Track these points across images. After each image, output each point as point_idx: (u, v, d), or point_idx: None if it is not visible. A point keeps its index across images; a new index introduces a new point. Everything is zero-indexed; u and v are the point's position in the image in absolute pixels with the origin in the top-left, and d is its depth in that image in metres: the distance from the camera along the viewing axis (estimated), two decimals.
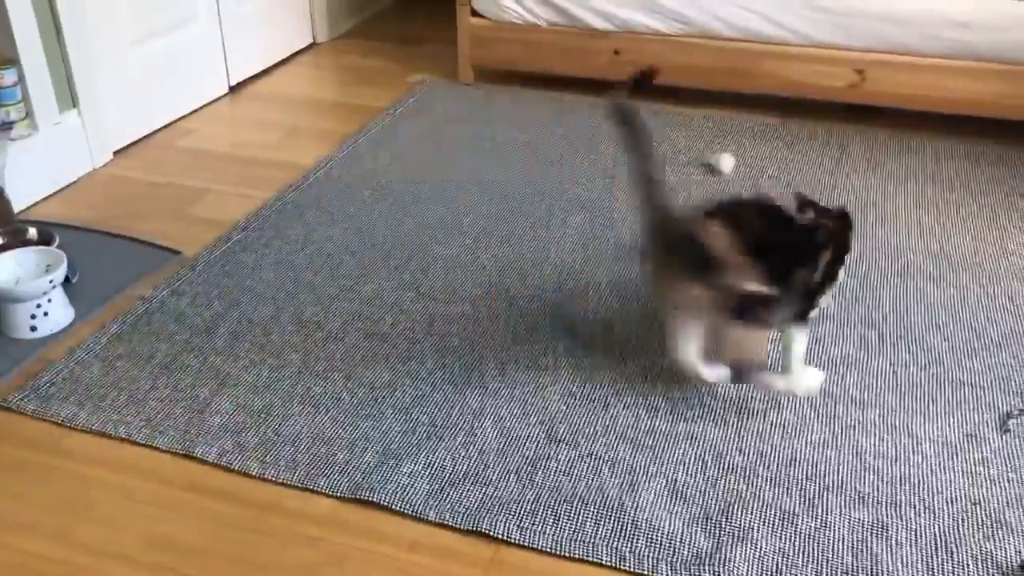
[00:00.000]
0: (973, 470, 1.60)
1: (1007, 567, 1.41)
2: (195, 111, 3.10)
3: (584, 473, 1.60)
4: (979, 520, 1.50)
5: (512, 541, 1.47)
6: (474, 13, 3.21)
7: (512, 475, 1.59)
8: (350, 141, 2.86)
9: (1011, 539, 1.46)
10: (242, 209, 2.46)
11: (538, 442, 1.67)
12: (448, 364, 1.87)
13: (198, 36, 3.09)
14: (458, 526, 1.50)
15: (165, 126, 2.97)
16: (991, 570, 1.41)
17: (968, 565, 1.42)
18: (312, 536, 1.49)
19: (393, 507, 1.53)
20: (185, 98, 3.07)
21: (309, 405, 1.76)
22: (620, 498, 1.54)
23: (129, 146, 2.83)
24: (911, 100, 2.87)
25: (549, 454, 1.64)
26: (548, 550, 1.46)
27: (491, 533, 1.48)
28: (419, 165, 2.70)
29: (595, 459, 1.63)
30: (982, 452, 1.64)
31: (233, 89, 3.28)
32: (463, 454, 1.64)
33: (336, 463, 1.62)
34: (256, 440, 1.67)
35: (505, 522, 1.50)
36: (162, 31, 2.93)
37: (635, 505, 1.53)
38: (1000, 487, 1.57)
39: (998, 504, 1.53)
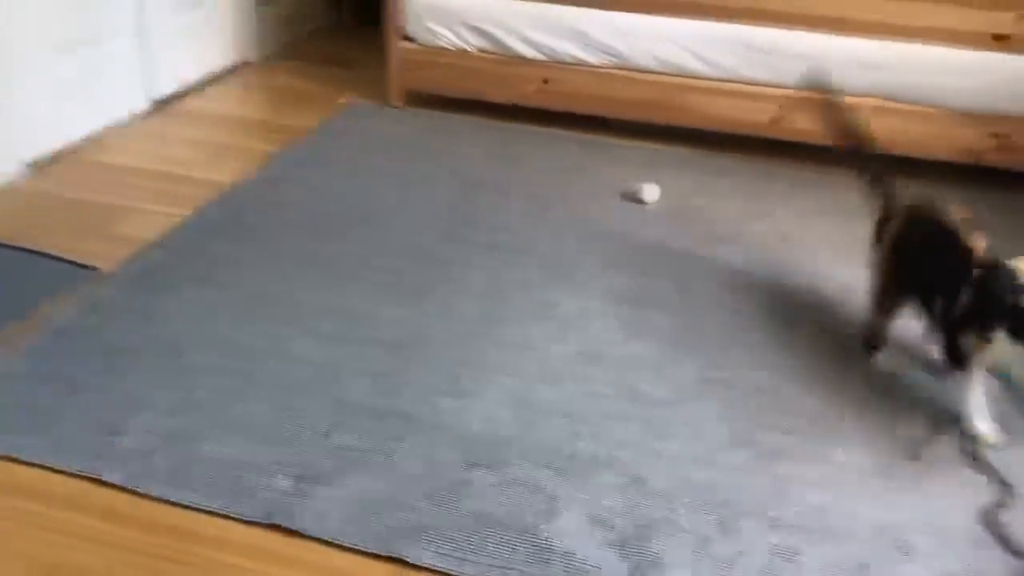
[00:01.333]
0: (885, 495, 1.64)
1: None
2: (117, 126, 3.02)
3: (503, 498, 1.59)
4: (888, 544, 1.53)
5: (429, 567, 1.45)
6: (405, 37, 3.21)
7: (431, 500, 1.57)
8: (275, 161, 2.82)
9: (917, 565, 1.50)
10: (161, 227, 2.40)
11: (458, 467, 1.65)
12: (369, 387, 1.84)
13: (121, 50, 3.02)
14: (375, 552, 1.47)
15: (84, 140, 2.89)
16: None
17: None
18: (227, 563, 1.45)
19: (308, 533, 1.50)
20: (106, 112, 2.99)
21: (225, 428, 1.71)
22: (537, 523, 1.54)
23: (46, 160, 2.75)
24: (828, 137, 2.96)
25: (468, 479, 1.63)
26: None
27: (408, 559, 1.46)
28: (343, 186, 2.68)
29: (514, 484, 1.62)
30: (894, 478, 1.68)
31: (158, 105, 3.21)
32: (381, 479, 1.61)
33: (251, 488, 1.58)
34: (168, 464, 1.62)
35: (422, 548, 1.48)
36: (83, 43, 2.86)
37: (552, 530, 1.52)
38: (909, 512, 1.61)
39: (907, 529, 1.57)
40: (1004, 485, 1.67)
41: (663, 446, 1.73)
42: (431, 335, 2.02)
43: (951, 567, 1.50)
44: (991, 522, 1.58)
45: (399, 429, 1.73)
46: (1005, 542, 1.55)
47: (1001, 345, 1.68)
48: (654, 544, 1.51)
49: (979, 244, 1.78)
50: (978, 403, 1.77)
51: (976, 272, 1.74)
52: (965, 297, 1.73)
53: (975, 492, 1.66)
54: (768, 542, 1.53)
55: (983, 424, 1.76)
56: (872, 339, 2.01)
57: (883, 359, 1.98)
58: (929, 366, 1.93)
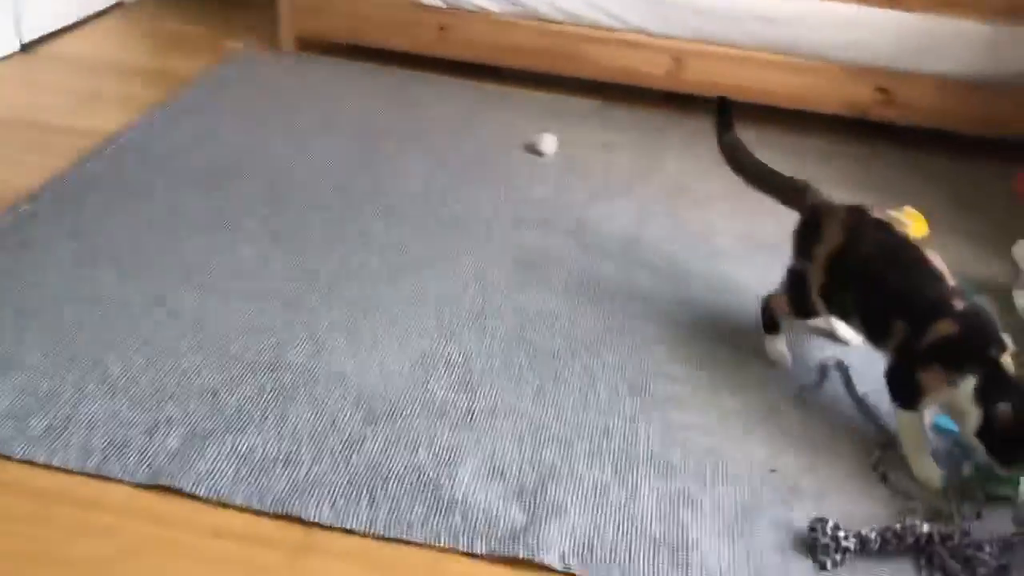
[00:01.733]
0: (772, 439, 1.69)
1: (800, 529, 1.50)
2: None
3: (401, 452, 1.57)
4: (776, 487, 1.58)
5: (324, 524, 1.42)
6: None
7: (326, 456, 1.54)
8: (158, 109, 2.68)
9: (803, 504, 1.55)
10: (33, 179, 2.26)
11: (354, 422, 1.62)
12: (261, 343, 1.78)
13: None
14: (267, 510, 1.43)
15: None
16: (785, 533, 1.49)
17: (765, 529, 1.50)
18: (105, 526, 1.39)
19: (196, 493, 1.45)
20: None
21: (105, 387, 1.63)
22: (437, 476, 1.52)
23: None
24: (725, 89, 2.95)
25: (365, 434, 1.60)
26: (361, 531, 1.42)
27: (302, 516, 1.43)
28: (232, 137, 2.57)
29: (412, 437, 1.60)
30: (780, 422, 1.73)
31: (25, 48, 3.00)
32: (274, 436, 1.57)
33: (134, 448, 1.51)
34: (43, 426, 1.54)
35: (317, 505, 1.44)
36: None
37: (452, 482, 1.51)
38: (796, 456, 1.66)
39: (793, 471, 1.62)
40: (880, 427, 1.73)
41: (559, 397, 1.74)
42: (325, 288, 1.97)
43: (837, 507, 1.55)
44: (871, 461, 1.65)
45: (292, 384, 1.69)
46: (884, 479, 1.61)
47: (963, 395, 1.54)
48: (552, 492, 1.52)
49: (943, 268, 1.67)
50: (923, 445, 1.63)
51: (956, 306, 1.60)
52: (941, 328, 1.58)
53: (858, 436, 1.72)
54: (663, 487, 1.55)
55: (930, 469, 1.61)
56: (771, 324, 1.91)
57: (774, 346, 1.90)
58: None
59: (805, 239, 1.84)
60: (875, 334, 1.72)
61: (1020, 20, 2.78)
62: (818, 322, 1.94)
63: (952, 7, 2.80)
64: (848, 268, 1.74)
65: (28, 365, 1.66)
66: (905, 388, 1.63)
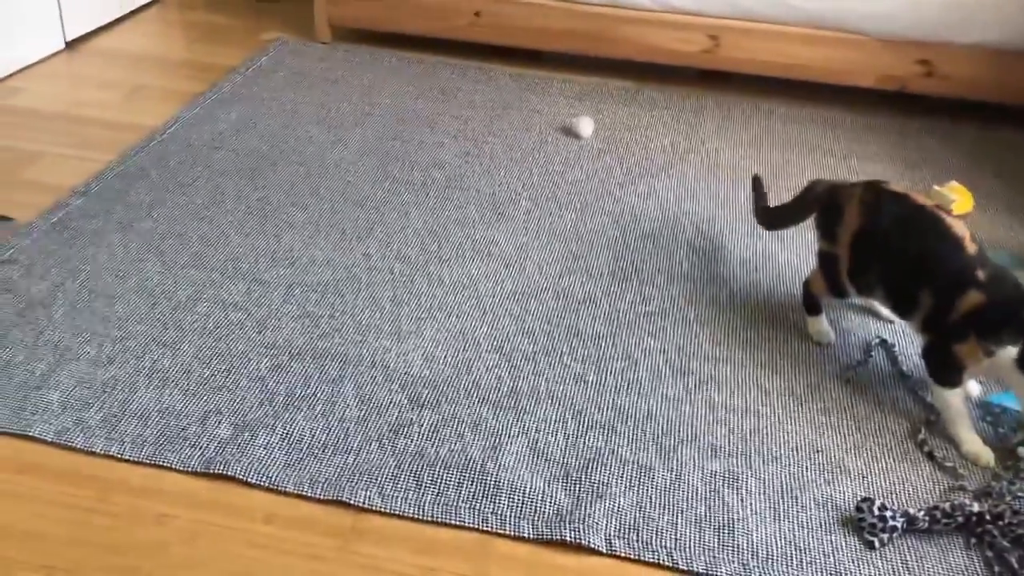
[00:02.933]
0: (816, 419, 1.68)
1: (845, 508, 1.49)
2: (26, 68, 2.88)
3: (447, 437, 1.59)
4: (820, 466, 1.58)
5: (373, 508, 1.45)
6: None
7: (374, 442, 1.57)
8: (199, 101, 2.72)
9: (849, 483, 1.55)
10: (82, 173, 2.31)
11: (400, 407, 1.64)
12: (307, 331, 1.81)
13: None
14: (317, 496, 1.46)
15: None
16: (831, 512, 1.49)
17: (811, 508, 1.50)
18: (161, 513, 1.43)
19: (248, 480, 1.48)
20: (14, 54, 2.84)
21: (157, 378, 1.67)
22: (482, 460, 1.54)
23: None
24: (762, 66, 2.97)
25: (411, 419, 1.62)
26: (409, 515, 1.44)
27: (351, 501, 1.46)
28: (271, 126, 2.61)
29: (457, 422, 1.62)
30: (824, 402, 1.73)
31: (70, 45, 3.06)
32: (322, 423, 1.60)
33: (187, 437, 1.55)
34: (100, 417, 1.58)
35: (366, 489, 1.47)
36: None
37: (497, 466, 1.53)
38: (840, 434, 1.65)
39: (838, 451, 1.62)
40: (926, 405, 1.72)
41: (601, 379, 1.75)
42: (367, 275, 2.00)
43: (883, 486, 1.55)
44: (917, 440, 1.64)
45: (338, 371, 1.72)
46: (930, 458, 1.60)
47: (1004, 364, 1.52)
48: (597, 475, 1.53)
49: (965, 233, 1.65)
50: (967, 422, 1.62)
51: (982, 273, 1.58)
52: (969, 300, 1.57)
53: (901, 412, 1.71)
54: (707, 468, 1.56)
55: (976, 445, 1.60)
56: (812, 304, 1.90)
57: (817, 326, 1.89)
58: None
59: (828, 220, 1.84)
60: (903, 308, 1.72)
61: None
62: (857, 300, 1.92)
63: None
64: (871, 245, 1.74)
65: (83, 357, 1.71)
66: (944, 365, 1.62)
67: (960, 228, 1.67)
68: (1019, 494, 1.51)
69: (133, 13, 3.37)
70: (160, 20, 3.38)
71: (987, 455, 1.59)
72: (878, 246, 1.72)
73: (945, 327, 1.61)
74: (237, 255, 2.03)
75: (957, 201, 2.34)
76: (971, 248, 1.63)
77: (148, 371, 1.69)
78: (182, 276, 1.95)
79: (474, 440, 1.58)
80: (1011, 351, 1.52)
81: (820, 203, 1.89)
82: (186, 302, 1.88)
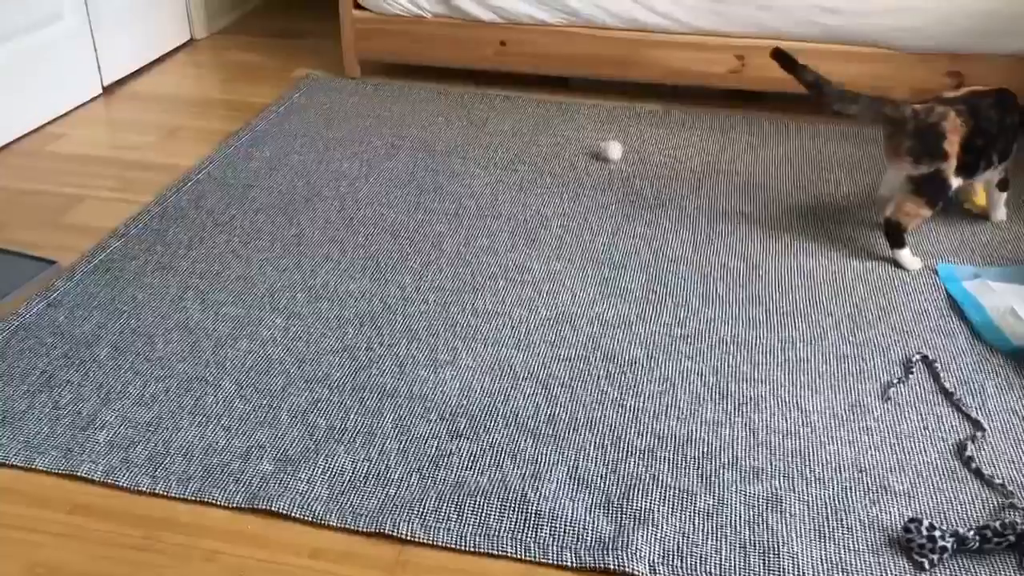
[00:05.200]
0: (858, 439, 1.67)
1: (892, 529, 1.47)
2: (66, 114, 2.95)
3: (486, 466, 1.59)
4: (865, 486, 1.56)
5: (416, 540, 1.46)
6: (357, 5, 3.16)
7: (414, 473, 1.57)
8: (233, 140, 2.77)
9: (894, 502, 1.53)
10: (121, 215, 2.36)
11: (439, 438, 1.65)
12: (344, 364, 1.83)
13: (66, 34, 2.94)
14: (360, 529, 1.47)
15: (34, 131, 2.83)
16: (877, 533, 1.47)
17: (856, 530, 1.48)
18: (209, 550, 1.44)
19: (293, 515, 1.50)
20: (54, 100, 2.92)
21: (200, 415, 1.70)
22: (523, 489, 1.54)
23: None
24: (787, 83, 2.95)
25: (451, 450, 1.63)
26: (452, 546, 1.45)
27: (394, 534, 1.46)
28: (305, 162, 2.65)
29: (496, 451, 1.62)
30: (866, 421, 1.71)
31: (107, 90, 3.14)
32: (363, 456, 1.61)
33: (231, 473, 1.57)
34: (145, 455, 1.61)
35: (408, 521, 1.48)
36: (25, 29, 2.78)
37: (538, 495, 1.53)
38: (883, 453, 1.63)
39: (882, 470, 1.60)
40: (972, 421, 1.70)
41: (639, 403, 1.74)
42: (402, 307, 2.01)
43: (930, 505, 1.53)
44: (964, 457, 1.61)
45: (376, 404, 1.73)
46: (978, 475, 1.58)
47: None
48: (638, 502, 1.52)
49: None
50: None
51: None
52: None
53: (945, 429, 1.69)
54: (750, 491, 1.55)
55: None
56: (899, 239, 2.18)
57: (907, 257, 2.18)
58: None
59: (929, 144, 2.12)
60: (996, 161, 2.22)
61: None
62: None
63: None
64: (974, 140, 2.14)
65: (128, 396, 1.74)
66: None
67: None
68: None
69: (167, 56, 3.45)
70: (192, 62, 3.46)
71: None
72: (979, 136, 2.14)
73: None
74: (274, 291, 2.06)
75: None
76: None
77: (191, 409, 1.72)
78: (221, 313, 1.98)
79: (513, 469, 1.59)
80: None
81: (908, 131, 2.12)
82: (226, 339, 1.90)
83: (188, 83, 3.28)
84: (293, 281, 2.10)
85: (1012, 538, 1.42)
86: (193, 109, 3.05)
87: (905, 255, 2.18)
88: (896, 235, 2.18)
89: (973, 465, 1.60)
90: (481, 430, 1.67)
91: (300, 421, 1.69)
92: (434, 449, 1.63)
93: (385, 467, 1.59)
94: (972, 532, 1.43)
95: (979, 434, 1.66)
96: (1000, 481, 1.56)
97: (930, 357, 1.86)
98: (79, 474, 1.57)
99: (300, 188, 2.51)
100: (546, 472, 1.58)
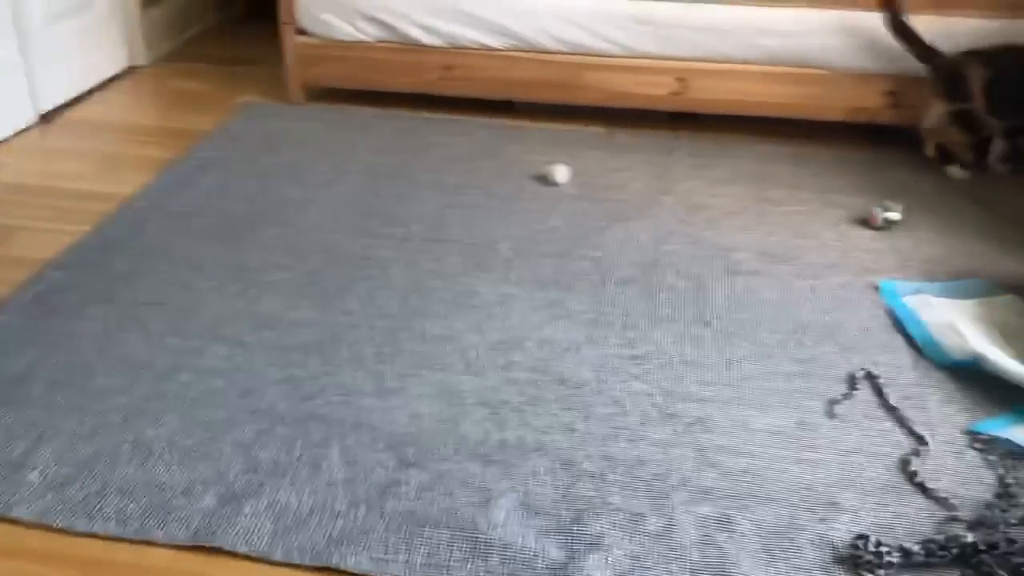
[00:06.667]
0: (805, 456, 1.68)
1: (840, 546, 1.48)
2: (2, 143, 2.88)
3: (436, 495, 1.57)
4: (813, 504, 1.57)
5: (364, 574, 1.43)
6: (300, 31, 3.14)
7: (362, 505, 1.55)
8: (175, 167, 2.73)
9: (843, 520, 1.54)
10: (58, 245, 2.30)
11: (387, 468, 1.63)
12: (290, 394, 1.80)
13: (1, 64, 2.87)
14: (307, 564, 1.44)
15: None
16: (826, 551, 1.48)
17: (806, 549, 1.48)
18: None
19: (237, 551, 1.46)
20: None
21: (140, 450, 1.65)
22: (473, 517, 1.53)
23: None
24: (731, 105, 3.01)
25: (399, 479, 1.60)
26: None
27: (342, 568, 1.43)
28: (248, 189, 2.61)
29: (446, 479, 1.60)
30: (813, 438, 1.72)
31: (44, 118, 3.07)
32: (309, 489, 1.58)
33: (172, 510, 1.53)
34: (82, 494, 1.56)
35: (356, 555, 1.45)
36: None
37: (488, 523, 1.51)
38: (830, 470, 1.65)
39: (829, 487, 1.61)
40: (916, 435, 1.72)
41: (589, 426, 1.74)
42: (349, 334, 1.99)
43: (877, 521, 1.54)
44: (908, 472, 1.63)
45: (323, 434, 1.70)
46: (922, 490, 1.60)
47: None
48: (590, 527, 1.51)
49: None
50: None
51: None
52: None
53: (890, 444, 1.71)
54: (700, 512, 1.55)
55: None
56: (948, 156, 2.68)
57: (956, 170, 2.65)
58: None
59: (957, 86, 2.65)
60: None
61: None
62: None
63: (953, 7, 2.80)
64: (997, 87, 2.59)
65: (63, 433, 1.69)
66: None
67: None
68: (1012, 522, 1.50)
69: (107, 83, 3.39)
70: (133, 89, 3.40)
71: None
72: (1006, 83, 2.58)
73: None
74: (217, 320, 2.02)
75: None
76: None
77: (131, 444, 1.67)
78: (163, 345, 1.94)
79: (463, 497, 1.57)
80: None
81: (940, 71, 2.68)
82: (168, 371, 1.86)
83: (128, 111, 3.23)
84: (237, 310, 2.06)
85: (956, 551, 1.44)
86: (133, 137, 3.00)
87: (950, 170, 2.71)
88: (943, 154, 2.72)
89: (917, 479, 1.62)
90: (430, 458, 1.65)
91: (244, 454, 1.65)
92: (382, 479, 1.60)
93: (332, 499, 1.56)
94: (918, 547, 1.44)
95: (922, 448, 1.69)
96: (944, 495, 1.58)
97: (874, 373, 1.89)
98: (12, 516, 1.51)
99: (243, 215, 2.47)
100: (496, 499, 1.56)
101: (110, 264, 2.23)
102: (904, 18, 2.72)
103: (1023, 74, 2.57)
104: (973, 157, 2.69)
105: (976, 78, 2.59)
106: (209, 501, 1.55)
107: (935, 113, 2.73)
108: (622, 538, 1.49)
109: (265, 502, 1.55)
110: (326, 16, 3.08)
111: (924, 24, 2.77)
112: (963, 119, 2.66)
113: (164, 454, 1.65)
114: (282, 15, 3.11)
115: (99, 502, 1.54)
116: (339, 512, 1.53)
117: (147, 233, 2.37)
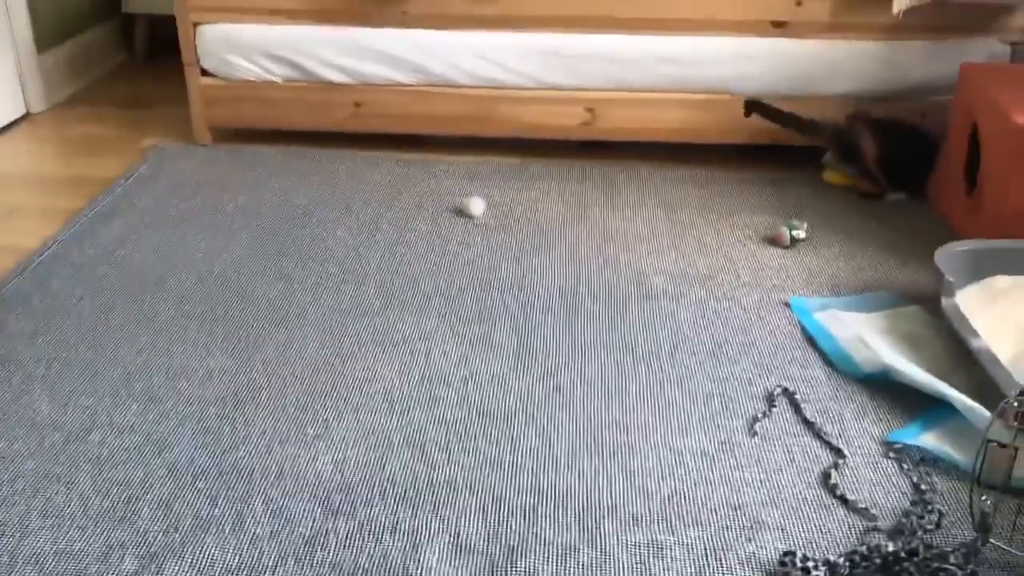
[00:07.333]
0: (730, 476, 1.71)
1: (768, 564, 1.51)
2: None
3: (365, 543, 1.54)
4: (740, 524, 1.60)
5: None
6: (205, 71, 3.09)
7: (289, 558, 1.51)
8: (79, 217, 2.64)
9: (769, 537, 1.57)
10: None
11: (314, 518, 1.59)
12: (209, 447, 1.75)
13: None
14: None
15: None
16: (755, 570, 1.50)
17: (736, 569, 1.51)
18: None
19: None
20: None
21: (52, 516, 1.58)
22: (404, 563, 1.50)
23: None
24: (639, 133, 3.07)
25: (327, 529, 1.57)
26: None
27: None
28: (156, 236, 2.54)
29: (375, 526, 1.58)
30: (736, 457, 1.75)
31: None
32: (233, 545, 1.53)
33: None
34: None
35: None
36: None
37: (420, 567, 1.49)
38: (755, 489, 1.68)
39: (755, 505, 1.64)
40: (834, 449, 1.77)
41: (517, 460, 1.73)
42: (268, 381, 1.95)
43: (802, 536, 1.57)
44: (829, 485, 1.68)
45: (245, 487, 1.65)
46: (843, 502, 1.64)
47: None
48: (521, 562, 1.51)
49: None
50: None
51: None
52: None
53: (810, 459, 1.75)
54: (631, 539, 1.56)
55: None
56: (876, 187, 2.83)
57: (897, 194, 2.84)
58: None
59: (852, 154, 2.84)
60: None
61: (911, 36, 2.91)
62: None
63: (843, 30, 2.92)
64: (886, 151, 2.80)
65: None
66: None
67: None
68: (928, 527, 1.55)
69: (1, 131, 3.27)
70: (30, 136, 3.29)
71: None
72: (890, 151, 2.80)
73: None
74: (129, 374, 1.96)
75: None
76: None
77: (40, 510, 1.59)
78: (72, 404, 1.86)
79: (393, 543, 1.54)
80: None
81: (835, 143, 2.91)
82: (78, 431, 1.79)
83: (26, 160, 3.12)
84: (149, 363, 2.00)
85: (879, 561, 1.47)
86: (33, 187, 2.90)
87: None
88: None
89: (838, 492, 1.66)
90: (358, 505, 1.62)
91: (163, 513, 1.59)
92: (309, 530, 1.57)
93: (258, 554, 1.51)
94: (842, 559, 1.48)
95: (841, 461, 1.73)
96: (864, 505, 1.63)
97: (790, 389, 1.93)
98: None
99: (153, 263, 2.40)
100: (427, 542, 1.55)
101: (12, 322, 2.14)
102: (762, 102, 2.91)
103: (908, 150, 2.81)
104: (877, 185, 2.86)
105: (868, 149, 2.79)
106: (129, 565, 1.49)
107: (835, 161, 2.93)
108: (556, 572, 1.49)
109: (188, 562, 1.49)
110: (229, 56, 3.04)
111: (811, 48, 2.89)
112: (864, 175, 2.86)
113: (77, 519, 1.58)
114: (184, 56, 3.06)
115: (8, 575, 1.47)
116: (266, 567, 1.49)
117: (51, 287, 2.29)
